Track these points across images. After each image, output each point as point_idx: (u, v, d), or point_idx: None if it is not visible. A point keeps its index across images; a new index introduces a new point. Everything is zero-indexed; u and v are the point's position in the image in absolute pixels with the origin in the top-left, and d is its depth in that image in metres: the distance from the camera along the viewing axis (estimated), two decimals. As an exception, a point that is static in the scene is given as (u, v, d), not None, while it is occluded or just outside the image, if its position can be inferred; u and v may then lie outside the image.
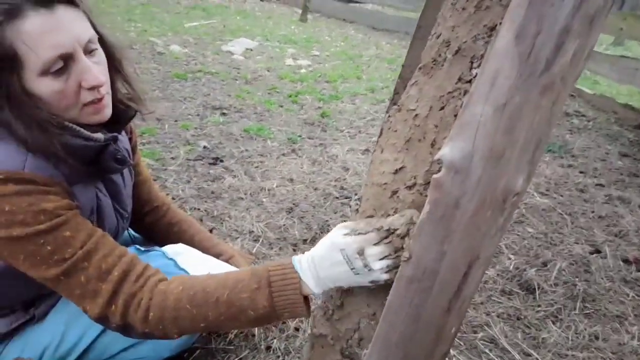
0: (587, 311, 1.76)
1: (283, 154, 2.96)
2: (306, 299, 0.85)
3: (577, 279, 1.93)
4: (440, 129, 0.70)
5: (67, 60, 0.83)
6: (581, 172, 3.17)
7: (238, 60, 5.28)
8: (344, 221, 1.80)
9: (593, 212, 2.59)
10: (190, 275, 0.93)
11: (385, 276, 0.72)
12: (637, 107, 4.34)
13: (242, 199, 2.34)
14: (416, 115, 0.74)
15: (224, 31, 6.85)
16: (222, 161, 2.76)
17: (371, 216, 0.80)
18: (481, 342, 1.53)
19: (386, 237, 0.71)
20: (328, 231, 2.05)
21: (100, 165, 0.96)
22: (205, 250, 1.28)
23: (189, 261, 1.15)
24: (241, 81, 4.47)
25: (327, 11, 10.13)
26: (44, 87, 0.83)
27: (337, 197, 2.46)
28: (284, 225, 2.13)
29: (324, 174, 2.74)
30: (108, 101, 0.93)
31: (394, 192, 0.76)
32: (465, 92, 0.67)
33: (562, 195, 2.78)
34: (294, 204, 2.34)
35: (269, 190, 2.46)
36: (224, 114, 3.57)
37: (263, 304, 0.83)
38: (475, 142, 0.57)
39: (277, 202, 2.35)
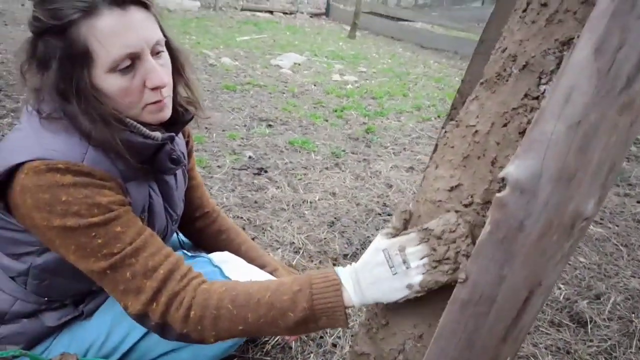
0: (645, 351, 1.64)
1: (326, 168, 2.96)
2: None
3: (633, 315, 1.81)
4: (503, 146, 0.67)
5: (134, 59, 0.86)
6: (639, 202, 3.00)
7: (286, 74, 5.35)
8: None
9: (652, 245, 2.44)
10: (233, 280, 0.93)
11: (419, 278, 0.72)
12: (702, 136, 4.09)
13: (284, 210, 2.35)
14: (476, 131, 0.71)
15: (273, 45, 6.98)
16: (266, 172, 2.78)
17: (423, 234, 0.77)
18: (528, 375, 1.45)
19: (424, 237, 0.74)
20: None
21: (155, 164, 0.98)
22: (250, 260, 1.28)
23: (234, 270, 1.15)
24: (288, 94, 4.52)
25: (376, 28, 10.17)
26: (111, 83, 0.86)
27: (379, 214, 2.42)
28: (325, 238, 2.11)
29: (366, 190, 2.71)
30: (169, 102, 0.95)
31: (449, 211, 0.73)
32: (532, 109, 0.63)
33: (617, 225, 2.64)
34: (335, 218, 2.32)
35: (311, 202, 2.46)
36: (270, 125, 3.62)
37: (303, 305, 0.82)
38: (544, 161, 0.54)
39: (318, 215, 2.34)
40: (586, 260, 2.21)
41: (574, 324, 1.74)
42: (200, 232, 1.35)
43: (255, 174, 2.75)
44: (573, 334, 1.68)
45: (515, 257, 0.58)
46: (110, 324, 1.09)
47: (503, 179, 0.58)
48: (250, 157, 2.97)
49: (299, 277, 0.87)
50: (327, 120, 3.92)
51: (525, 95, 0.65)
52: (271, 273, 1.28)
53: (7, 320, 1.03)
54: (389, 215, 2.42)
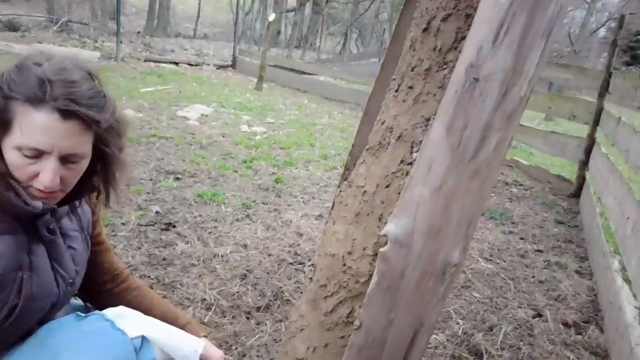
0: (532, 375, 1.82)
1: (237, 219, 2.97)
2: None
3: (521, 343, 2.01)
4: (387, 205, 0.77)
5: (41, 154, 0.91)
6: (521, 239, 3.35)
7: (193, 125, 5.34)
8: (298, 287, 1.83)
9: (534, 277, 2.74)
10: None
11: None
12: (568, 177, 4.71)
13: (194, 265, 2.32)
14: (365, 191, 0.82)
15: (179, 97, 6.96)
16: (174, 227, 2.73)
17: (324, 285, 0.84)
18: (432, 409, 1.55)
19: None
20: (282, 298, 2.06)
21: (34, 229, 1.02)
22: (163, 314, 1.26)
23: (129, 323, 1.14)
24: (196, 146, 4.51)
25: (282, 81, 10.54)
26: (12, 156, 0.91)
27: (291, 263, 2.47)
28: (237, 292, 2.11)
29: (278, 240, 2.76)
30: (59, 196, 1.00)
31: (345, 263, 0.82)
32: (407, 172, 0.75)
33: (504, 261, 2.92)
34: (247, 270, 2.33)
35: (222, 256, 2.45)
36: (177, 178, 3.57)
37: None
38: (415, 219, 0.64)
39: (230, 268, 2.34)
40: (480, 295, 2.42)
41: (472, 356, 1.89)
42: (110, 293, 1.31)
43: (162, 229, 2.69)
44: (471, 366, 1.83)
45: (400, 302, 0.67)
46: None
47: (385, 235, 0.67)
48: (157, 212, 2.90)
49: None
50: (236, 172, 3.96)
51: (402, 161, 0.77)
52: (183, 327, 1.27)
53: None
54: (300, 264, 2.48)
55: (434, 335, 1.97)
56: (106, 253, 1.31)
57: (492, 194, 4.36)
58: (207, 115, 5.96)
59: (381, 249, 0.68)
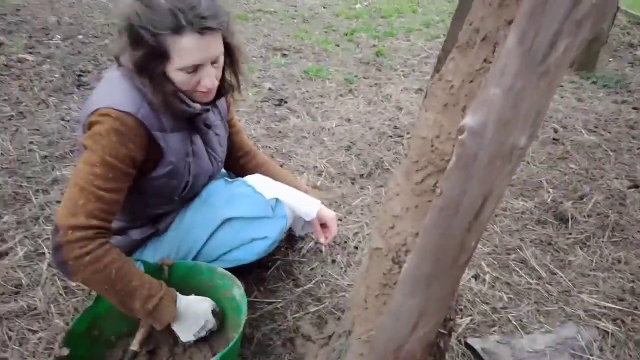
0: (615, 239, 1.94)
1: (341, 95, 3.18)
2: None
3: (610, 211, 2.09)
4: (470, 98, 0.93)
5: (197, 67, 1.17)
6: (635, 109, 3.18)
7: (295, -3, 5.37)
8: (397, 158, 2.08)
9: (639, 149, 2.68)
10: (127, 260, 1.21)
11: None
12: None
13: (306, 138, 2.63)
14: (452, 85, 0.97)
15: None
16: (286, 102, 3.03)
17: (417, 162, 1.05)
18: (513, 262, 1.79)
19: None
20: (382, 167, 2.32)
21: (194, 124, 1.32)
22: (287, 184, 1.59)
23: (265, 188, 1.46)
24: (299, 20, 4.61)
25: None
26: (177, 76, 1.17)
27: (390, 136, 2.69)
28: (343, 162, 2.41)
29: (378, 114, 2.95)
30: (214, 92, 1.26)
31: (433, 145, 1.01)
32: (489, 71, 0.89)
33: (610, 132, 2.86)
34: (351, 143, 2.60)
35: (329, 130, 2.72)
36: (284, 55, 3.79)
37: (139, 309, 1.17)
38: (489, 114, 0.81)
39: (336, 140, 2.62)
40: (576, 167, 2.48)
41: (557, 221, 2.05)
42: (244, 168, 1.66)
43: (276, 105, 3.00)
44: (556, 230, 2.00)
45: (473, 177, 0.86)
46: (181, 238, 1.44)
47: (464, 126, 0.85)
48: (270, 88, 3.19)
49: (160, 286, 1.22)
50: (338, 46, 4.06)
51: (485, 61, 0.91)
52: None
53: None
54: (399, 137, 2.68)
55: (522, 202, 2.14)
56: (239, 134, 1.63)
57: (611, 59, 4.02)
58: (307, -15, 5.89)
59: (459, 137, 0.86)
